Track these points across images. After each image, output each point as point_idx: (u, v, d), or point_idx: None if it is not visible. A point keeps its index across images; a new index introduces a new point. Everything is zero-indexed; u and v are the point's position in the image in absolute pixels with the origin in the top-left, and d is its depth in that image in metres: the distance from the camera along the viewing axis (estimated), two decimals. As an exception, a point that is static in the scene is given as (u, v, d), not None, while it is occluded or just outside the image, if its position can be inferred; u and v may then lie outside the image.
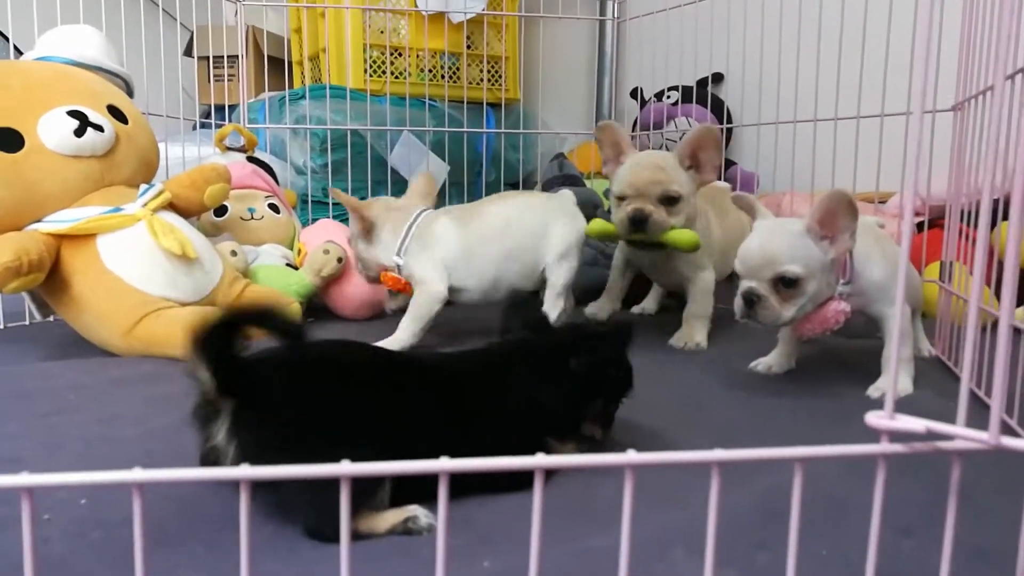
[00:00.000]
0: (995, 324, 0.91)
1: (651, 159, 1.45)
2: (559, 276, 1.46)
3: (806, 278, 1.08)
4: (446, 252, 1.45)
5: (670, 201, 1.41)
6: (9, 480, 0.39)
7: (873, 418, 0.47)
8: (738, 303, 1.12)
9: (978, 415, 0.51)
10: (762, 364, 1.30)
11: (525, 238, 1.46)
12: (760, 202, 2.08)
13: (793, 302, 1.09)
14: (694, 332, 1.50)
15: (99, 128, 1.34)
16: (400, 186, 2.52)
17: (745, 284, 1.11)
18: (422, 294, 1.42)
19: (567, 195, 1.56)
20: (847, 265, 1.12)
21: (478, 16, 2.57)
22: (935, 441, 0.46)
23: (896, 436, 0.46)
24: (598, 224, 1.50)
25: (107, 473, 0.41)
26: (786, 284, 1.09)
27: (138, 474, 0.40)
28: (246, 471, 0.41)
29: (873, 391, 1.13)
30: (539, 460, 0.43)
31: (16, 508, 0.68)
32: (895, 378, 0.46)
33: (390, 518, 0.67)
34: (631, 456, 0.44)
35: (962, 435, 0.45)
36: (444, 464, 0.42)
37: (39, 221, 1.31)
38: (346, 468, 0.42)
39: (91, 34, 1.53)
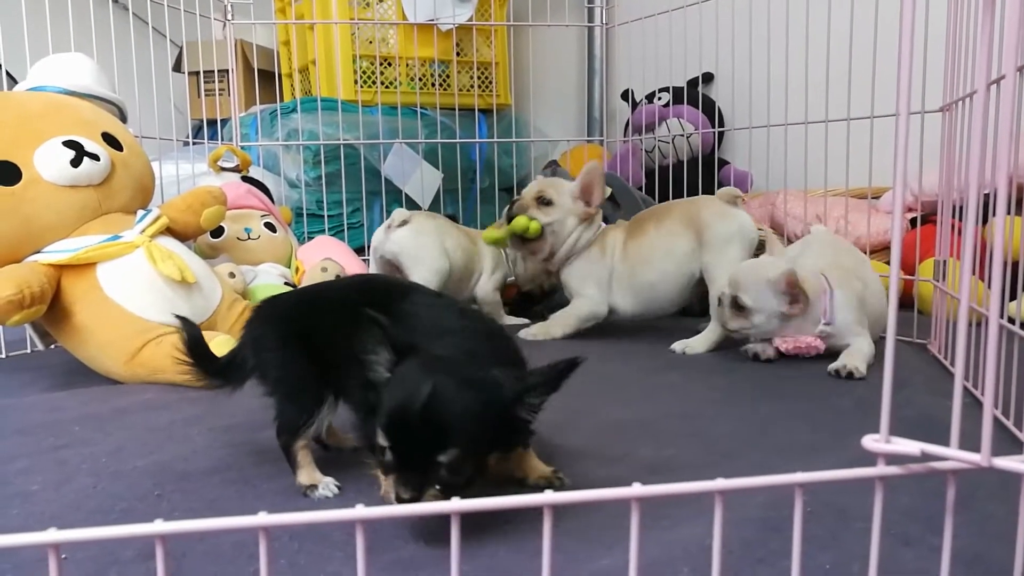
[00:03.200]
0: (987, 320, 0.94)
1: None
2: None
3: (753, 310, 1.39)
4: None
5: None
6: (36, 538, 0.40)
7: (869, 441, 0.48)
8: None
9: (975, 413, 0.53)
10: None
11: None
12: (754, 202, 2.09)
13: (740, 319, 1.42)
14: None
15: (95, 157, 1.35)
16: (394, 195, 2.54)
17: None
18: None
19: None
20: (827, 309, 1.38)
21: (467, 23, 2.57)
22: (930, 462, 0.47)
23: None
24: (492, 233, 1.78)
25: (130, 527, 0.42)
26: (737, 307, 1.41)
27: (160, 526, 0.41)
28: (264, 519, 0.42)
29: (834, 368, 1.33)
30: (547, 497, 0.44)
31: (34, 553, 0.69)
32: (888, 405, 0.47)
33: (306, 477, 0.84)
34: (636, 489, 0.45)
35: (955, 456, 0.46)
36: (455, 505, 0.44)
37: (38, 252, 1.32)
38: (360, 512, 0.43)
39: (83, 62, 1.53)
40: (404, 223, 1.72)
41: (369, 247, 2.44)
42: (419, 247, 1.71)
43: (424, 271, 1.69)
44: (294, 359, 0.86)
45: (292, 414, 0.85)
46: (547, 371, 0.74)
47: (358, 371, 0.81)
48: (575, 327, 1.69)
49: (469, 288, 1.86)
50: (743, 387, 1.29)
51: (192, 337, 0.95)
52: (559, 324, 1.70)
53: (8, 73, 1.77)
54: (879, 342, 1.40)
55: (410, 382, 0.71)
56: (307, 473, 0.85)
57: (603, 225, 1.75)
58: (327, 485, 0.84)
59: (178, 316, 0.99)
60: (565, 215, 1.68)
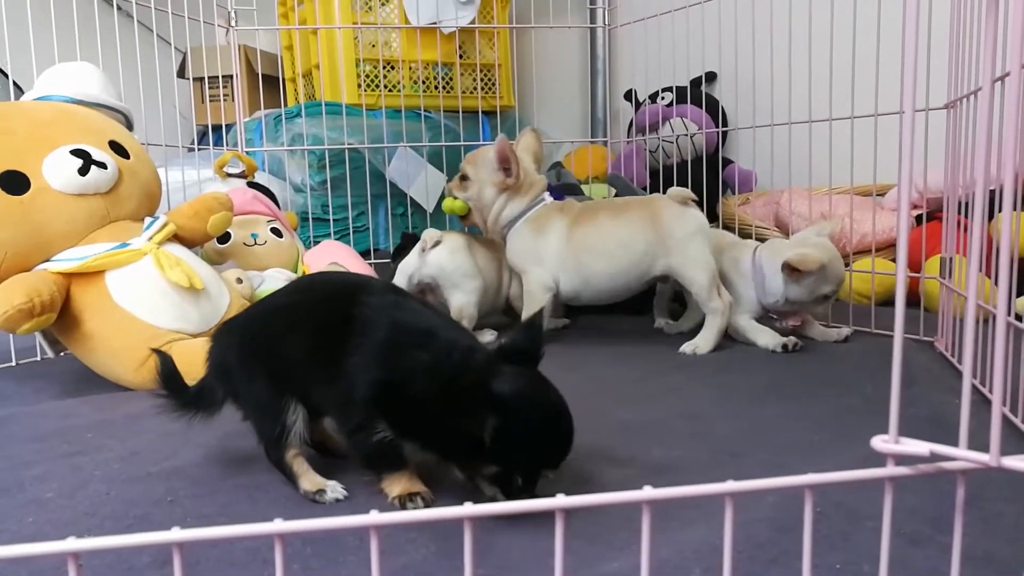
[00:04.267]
0: (995, 317, 0.95)
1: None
2: None
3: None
4: None
5: None
6: (56, 546, 0.41)
7: (879, 442, 0.48)
8: (821, 302, 1.55)
9: (983, 411, 0.53)
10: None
11: None
12: (759, 201, 2.08)
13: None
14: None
15: (102, 165, 1.36)
16: (399, 199, 2.55)
17: (829, 290, 1.52)
18: None
19: None
20: None
21: (469, 25, 2.58)
22: (939, 462, 0.48)
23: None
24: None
25: (149, 535, 0.42)
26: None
27: (177, 534, 0.42)
28: (280, 526, 0.43)
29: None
30: (558, 501, 0.45)
31: (50, 560, 0.70)
32: (897, 405, 0.48)
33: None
34: (647, 492, 0.45)
35: (964, 456, 0.46)
36: (468, 510, 0.44)
37: (47, 260, 1.33)
38: (374, 518, 0.44)
39: (90, 71, 1.54)
40: (437, 243, 1.69)
41: (373, 251, 2.45)
42: (456, 267, 1.67)
43: (463, 293, 1.67)
44: (253, 374, 0.86)
45: (266, 428, 0.85)
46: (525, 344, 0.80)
47: (330, 383, 0.81)
48: (535, 302, 1.61)
49: (501, 296, 1.82)
50: (748, 387, 1.29)
51: (167, 369, 0.95)
52: (526, 309, 1.66)
53: (15, 83, 1.78)
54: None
55: (539, 412, 0.76)
56: (308, 479, 0.85)
57: (545, 200, 1.69)
58: (335, 488, 0.84)
59: (153, 349, 0.99)
60: (481, 187, 1.69)
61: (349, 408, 0.80)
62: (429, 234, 1.70)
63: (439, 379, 0.74)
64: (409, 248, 1.85)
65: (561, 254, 1.62)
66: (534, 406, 0.76)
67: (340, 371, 0.79)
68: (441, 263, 1.66)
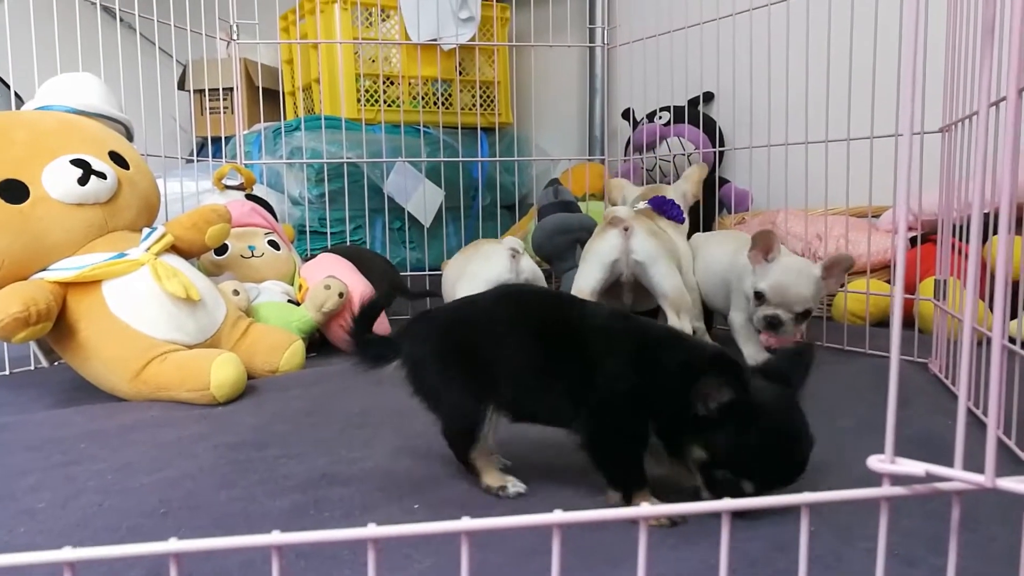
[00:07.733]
0: (989, 340, 0.96)
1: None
2: None
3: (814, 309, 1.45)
4: None
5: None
6: (53, 556, 0.41)
7: (875, 462, 0.48)
8: (762, 323, 1.45)
9: (976, 432, 0.53)
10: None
11: None
12: (755, 220, 2.10)
13: (802, 325, 1.46)
14: None
15: (102, 176, 1.36)
16: (396, 213, 2.55)
17: (772, 311, 1.43)
18: None
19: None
20: None
21: (469, 42, 2.61)
22: (934, 483, 0.48)
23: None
24: None
25: (145, 545, 0.42)
26: (804, 315, 1.43)
27: (174, 545, 0.42)
28: (276, 538, 0.43)
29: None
30: (555, 517, 0.45)
31: (42, 571, 0.69)
32: (893, 425, 0.48)
33: (494, 479, 0.87)
34: (644, 509, 0.45)
35: (959, 477, 0.47)
36: (464, 524, 0.44)
37: (45, 270, 1.32)
38: (371, 531, 0.44)
39: (91, 81, 1.55)
40: (627, 228, 1.54)
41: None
42: (660, 247, 1.56)
43: (673, 272, 1.56)
44: (452, 376, 0.86)
45: (457, 430, 0.87)
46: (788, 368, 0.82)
47: (565, 392, 0.81)
48: None
49: None
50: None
51: (364, 316, 0.92)
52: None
53: (16, 94, 1.79)
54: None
55: (783, 428, 0.77)
56: (492, 475, 0.87)
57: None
58: (515, 483, 0.86)
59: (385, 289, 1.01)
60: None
61: (597, 416, 0.80)
62: (617, 212, 1.57)
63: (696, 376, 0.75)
64: None
65: None
66: (781, 422, 0.77)
67: (581, 381, 0.80)
68: (647, 247, 1.54)
